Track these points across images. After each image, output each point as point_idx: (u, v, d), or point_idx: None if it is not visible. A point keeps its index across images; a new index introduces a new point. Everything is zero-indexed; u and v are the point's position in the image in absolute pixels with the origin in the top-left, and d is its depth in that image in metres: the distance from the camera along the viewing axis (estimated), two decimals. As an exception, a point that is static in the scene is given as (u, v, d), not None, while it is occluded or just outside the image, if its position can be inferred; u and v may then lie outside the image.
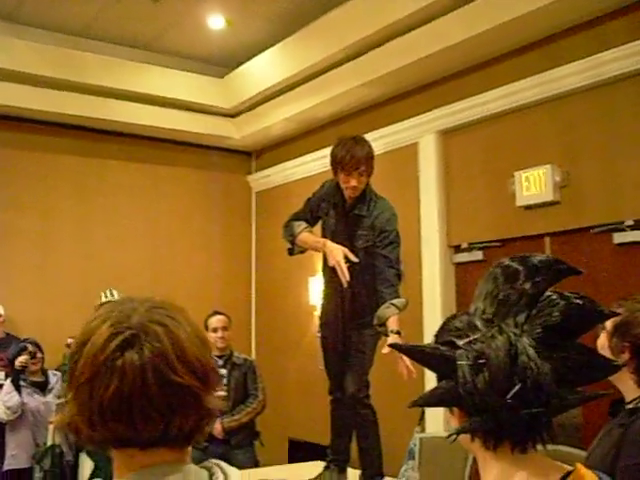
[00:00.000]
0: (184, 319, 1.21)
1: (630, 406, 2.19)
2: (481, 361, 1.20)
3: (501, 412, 1.17)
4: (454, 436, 1.27)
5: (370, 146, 3.84)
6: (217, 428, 5.25)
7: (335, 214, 3.91)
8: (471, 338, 1.23)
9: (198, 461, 1.25)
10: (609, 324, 2.24)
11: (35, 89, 7.09)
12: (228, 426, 5.28)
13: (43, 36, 7.16)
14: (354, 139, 3.83)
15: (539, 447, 1.25)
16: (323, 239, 3.86)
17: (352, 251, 3.69)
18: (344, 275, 3.58)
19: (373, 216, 3.79)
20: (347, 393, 3.80)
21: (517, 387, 1.16)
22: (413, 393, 4.78)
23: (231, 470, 1.23)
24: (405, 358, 3.35)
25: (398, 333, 3.52)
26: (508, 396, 1.16)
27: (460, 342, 1.24)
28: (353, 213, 3.84)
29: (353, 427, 3.98)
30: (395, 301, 3.60)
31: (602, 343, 2.25)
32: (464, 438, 1.28)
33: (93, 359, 1.13)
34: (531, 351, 1.18)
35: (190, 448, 1.23)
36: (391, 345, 1.33)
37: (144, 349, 1.13)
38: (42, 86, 7.11)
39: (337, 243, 3.74)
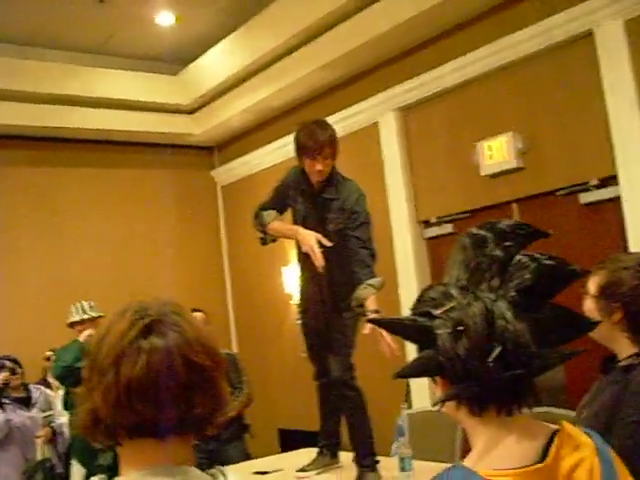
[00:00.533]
0: (190, 314, 1.29)
1: (624, 363, 2.21)
2: (460, 328, 1.21)
3: (483, 376, 1.19)
4: (440, 405, 1.28)
5: (333, 129, 3.83)
6: None
7: (304, 200, 3.90)
8: (447, 307, 1.24)
9: None
10: (592, 288, 2.25)
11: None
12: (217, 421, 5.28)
13: (-9, 48, 7.06)
14: (316, 123, 3.82)
15: (525, 409, 1.26)
16: (294, 226, 3.86)
17: (324, 235, 3.69)
18: (318, 260, 3.59)
19: (342, 198, 3.78)
20: (332, 377, 3.81)
21: (497, 350, 1.17)
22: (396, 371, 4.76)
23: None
24: (386, 336, 3.37)
25: (377, 312, 3.53)
26: (489, 359, 1.17)
27: (437, 312, 1.25)
28: (322, 197, 3.83)
29: (341, 410, 3.99)
30: (371, 281, 3.61)
31: (588, 308, 2.26)
32: (450, 408, 1.29)
33: (116, 343, 1.17)
34: (508, 314, 1.20)
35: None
36: (370, 320, 1.34)
37: (167, 333, 1.18)
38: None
39: (308, 229, 3.74)
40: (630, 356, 2.20)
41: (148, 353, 1.16)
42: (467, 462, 1.22)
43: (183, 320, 1.22)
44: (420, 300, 1.32)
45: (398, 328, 1.35)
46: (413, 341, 1.32)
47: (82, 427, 1.21)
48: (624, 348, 2.21)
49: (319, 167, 3.72)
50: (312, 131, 3.74)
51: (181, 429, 1.19)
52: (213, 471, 1.26)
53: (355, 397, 3.83)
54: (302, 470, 4.04)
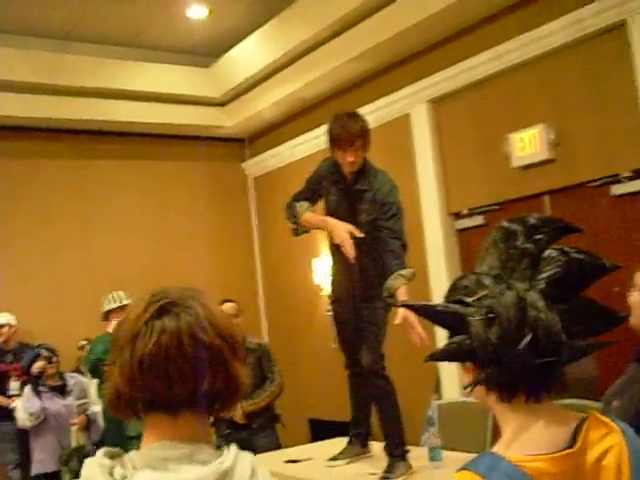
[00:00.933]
0: (211, 300, 1.36)
1: None
2: (492, 315, 1.24)
3: (514, 362, 1.22)
4: (470, 389, 1.32)
5: (365, 120, 3.85)
6: (238, 414, 5.32)
7: (336, 191, 3.93)
8: (480, 294, 1.28)
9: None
10: (638, 281, 2.29)
11: (25, 96, 7.12)
12: (248, 410, 5.34)
13: (27, 42, 7.17)
14: (348, 114, 3.85)
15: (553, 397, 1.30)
16: (327, 217, 3.89)
17: (356, 226, 3.72)
18: (350, 251, 3.62)
19: (374, 189, 3.81)
20: (363, 366, 3.84)
21: (528, 337, 1.21)
22: (428, 363, 4.82)
23: (233, 453, 1.29)
24: (417, 326, 3.39)
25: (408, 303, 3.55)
26: (520, 346, 1.21)
27: (469, 299, 1.29)
28: (354, 188, 3.86)
29: (372, 400, 4.02)
30: (403, 272, 3.64)
31: (635, 300, 2.29)
32: (480, 394, 1.32)
33: (134, 323, 1.27)
34: (540, 303, 1.23)
35: (211, 428, 1.31)
36: (403, 305, 1.38)
37: (180, 315, 1.27)
38: (30, 92, 7.13)
39: (340, 219, 3.78)
40: None
41: (159, 332, 1.24)
42: (496, 448, 1.26)
43: (198, 304, 1.29)
44: (453, 288, 1.36)
45: (430, 313, 1.38)
46: (445, 327, 1.35)
47: (107, 402, 1.31)
48: None
49: (351, 158, 3.75)
50: (344, 122, 3.77)
51: (192, 404, 1.26)
52: (223, 447, 1.32)
53: (385, 386, 3.86)
54: (333, 459, 4.08)
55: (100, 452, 1.25)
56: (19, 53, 7.00)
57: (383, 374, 3.85)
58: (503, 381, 1.26)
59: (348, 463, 4.06)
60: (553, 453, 1.21)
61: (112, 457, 1.23)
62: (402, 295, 3.59)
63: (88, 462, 1.23)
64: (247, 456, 1.31)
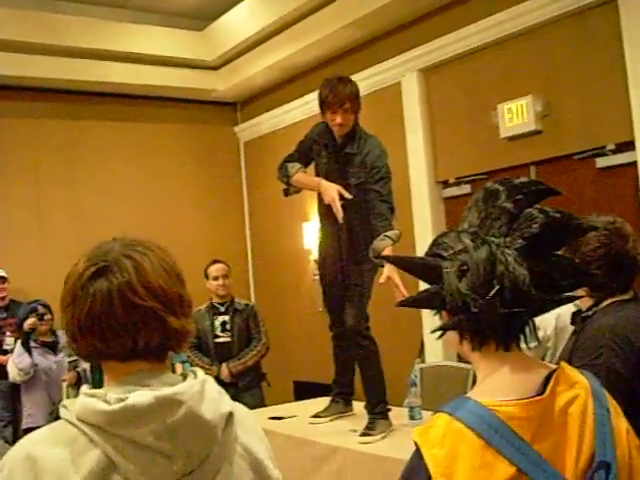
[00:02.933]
0: (155, 255, 1.42)
1: (583, 315, 2.37)
2: (464, 268, 1.34)
3: (482, 311, 1.31)
4: (439, 333, 1.41)
5: (354, 84, 3.93)
6: (224, 372, 5.43)
7: (327, 154, 4.01)
8: (456, 250, 1.37)
9: None
10: None
11: (15, 55, 7.07)
12: (235, 370, 5.46)
13: (16, 1, 7.13)
14: (339, 78, 3.93)
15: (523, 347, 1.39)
16: (317, 178, 3.98)
17: (345, 188, 3.81)
18: (339, 211, 3.72)
19: (363, 153, 3.89)
20: (347, 326, 3.93)
21: (495, 289, 1.29)
22: (412, 328, 4.99)
23: (201, 373, 1.41)
24: (400, 286, 3.48)
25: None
26: (488, 296, 1.30)
27: (446, 254, 1.38)
28: (344, 152, 3.94)
29: (355, 359, 4.12)
30: (389, 233, 3.72)
31: None
32: (454, 342, 1.42)
33: (73, 286, 1.37)
34: (510, 258, 1.31)
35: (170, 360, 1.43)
36: (383, 256, 1.47)
37: (112, 278, 1.35)
38: (22, 51, 7.09)
39: (330, 182, 3.86)
40: (588, 308, 2.35)
41: (92, 296, 1.33)
42: (471, 393, 1.35)
43: (133, 264, 1.36)
44: (434, 243, 1.45)
45: (409, 265, 1.48)
46: (423, 278, 1.44)
47: (70, 348, 1.43)
48: (585, 301, 2.36)
49: (339, 120, 3.83)
50: (334, 85, 3.85)
51: (138, 355, 1.36)
52: (185, 372, 1.42)
53: (368, 346, 3.94)
54: (315, 416, 4.20)
55: (84, 388, 1.34)
56: (9, 12, 6.93)
57: (367, 334, 3.93)
58: (473, 329, 1.35)
59: (331, 420, 4.17)
60: (522, 399, 1.28)
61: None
62: (390, 252, 3.68)
63: (80, 399, 1.30)
64: (211, 379, 1.41)
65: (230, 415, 1.39)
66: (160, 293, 1.36)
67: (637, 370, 2.12)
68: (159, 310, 1.35)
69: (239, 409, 1.47)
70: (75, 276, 1.37)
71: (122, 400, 1.27)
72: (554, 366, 1.39)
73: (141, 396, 1.28)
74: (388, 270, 3.52)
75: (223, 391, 1.42)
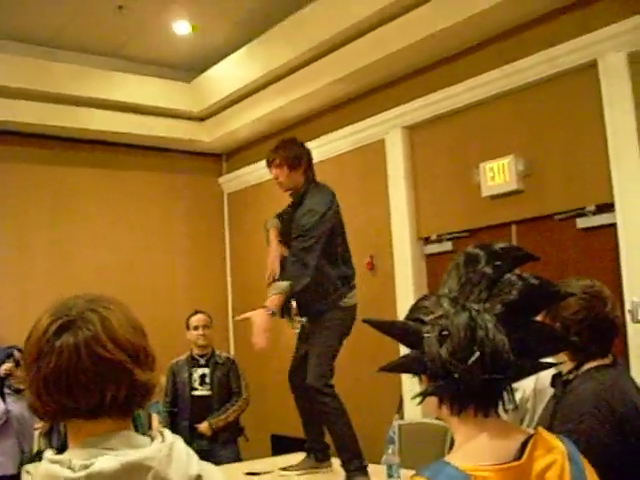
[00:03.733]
0: (119, 309, 1.42)
1: (563, 379, 2.38)
2: (444, 333, 1.35)
3: (462, 377, 1.32)
4: (421, 399, 1.42)
5: (285, 142, 4.23)
6: (205, 428, 5.37)
7: (289, 211, 4.16)
8: (437, 315, 1.38)
9: None
10: None
11: (4, 100, 7.11)
12: (216, 426, 5.41)
13: (9, 47, 7.19)
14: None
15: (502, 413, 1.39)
16: (270, 258, 4.15)
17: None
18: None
19: (299, 211, 4.02)
20: (306, 383, 3.93)
21: (476, 355, 1.31)
22: (391, 384, 4.98)
23: (171, 436, 1.39)
24: (256, 331, 3.84)
25: (264, 307, 3.87)
26: (468, 362, 1.31)
27: (427, 318, 1.39)
28: (294, 208, 4.14)
29: (317, 416, 4.10)
30: (278, 283, 3.91)
31: None
32: (434, 407, 1.43)
33: (37, 342, 1.34)
34: (490, 324, 1.33)
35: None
36: (365, 320, 1.48)
37: (78, 332, 1.33)
38: (12, 97, 7.14)
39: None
40: (568, 372, 2.36)
41: (59, 351, 1.31)
42: (448, 457, 1.35)
43: (99, 318, 1.36)
44: (414, 307, 1.47)
45: (389, 329, 1.48)
46: (403, 342, 1.45)
47: (31, 410, 1.39)
48: (565, 365, 2.37)
49: (274, 175, 4.11)
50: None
51: (105, 412, 1.34)
52: (151, 432, 1.40)
53: (329, 403, 3.91)
54: (284, 469, 4.17)
55: (48, 453, 1.30)
56: (1, 57, 7.01)
57: (326, 391, 3.91)
58: (453, 395, 1.36)
59: (299, 475, 4.14)
60: (499, 464, 1.29)
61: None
62: (269, 302, 3.86)
63: (43, 465, 1.28)
64: (180, 439, 1.39)
65: (198, 478, 1.36)
66: (127, 346, 1.36)
67: (618, 436, 2.13)
68: (126, 363, 1.34)
69: (208, 470, 1.44)
70: (39, 332, 1.35)
71: (87, 467, 1.24)
72: (531, 431, 1.40)
73: (107, 462, 1.25)
74: (254, 313, 3.77)
75: (192, 452, 1.40)
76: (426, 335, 1.37)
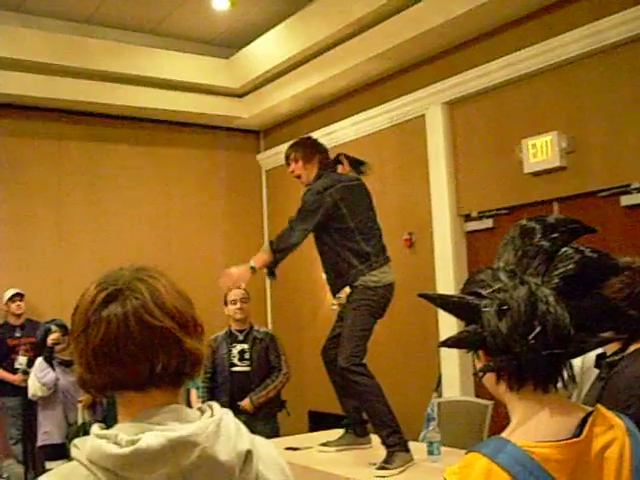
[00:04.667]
0: (165, 279, 1.40)
1: (608, 360, 2.33)
2: (504, 307, 1.31)
3: (523, 352, 1.29)
4: (480, 375, 1.39)
5: (300, 139, 4.47)
6: (247, 403, 5.40)
7: None
8: (495, 288, 1.35)
9: None
10: None
11: (43, 77, 7.19)
12: (257, 402, 5.42)
13: (49, 24, 7.25)
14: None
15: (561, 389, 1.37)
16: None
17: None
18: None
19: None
20: (337, 364, 3.95)
21: (537, 330, 1.28)
22: (429, 362, 4.96)
23: (220, 410, 1.36)
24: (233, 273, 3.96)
25: (252, 268, 3.99)
26: (529, 337, 1.28)
27: (484, 292, 1.36)
28: None
29: (350, 392, 4.11)
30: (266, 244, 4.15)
31: None
32: (491, 383, 1.39)
33: (84, 313, 1.32)
34: (550, 298, 1.30)
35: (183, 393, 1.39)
36: (420, 295, 1.45)
37: (126, 301, 1.31)
38: (50, 74, 7.21)
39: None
40: (614, 352, 2.31)
41: (107, 321, 1.29)
42: (504, 434, 1.32)
43: (146, 286, 1.34)
44: (470, 281, 1.43)
45: (447, 304, 1.44)
46: (460, 317, 1.42)
47: (79, 384, 1.37)
48: (611, 345, 2.32)
49: (290, 170, 4.37)
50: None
51: (155, 383, 1.32)
52: (203, 405, 1.38)
53: (361, 382, 3.89)
54: (324, 444, 4.19)
55: (94, 427, 1.28)
56: (41, 34, 7.07)
57: (357, 370, 3.90)
58: (512, 370, 1.33)
59: (338, 450, 4.15)
60: (559, 441, 1.26)
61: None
62: (254, 259, 4.04)
63: (90, 439, 1.25)
64: (229, 414, 1.37)
65: (249, 453, 1.34)
66: (175, 314, 1.34)
67: None
68: (176, 331, 1.32)
69: (259, 443, 1.42)
70: (86, 302, 1.34)
71: (133, 443, 1.22)
72: (590, 408, 1.37)
73: (153, 438, 1.23)
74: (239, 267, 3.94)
75: (242, 427, 1.37)
76: (485, 309, 1.33)
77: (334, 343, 4.11)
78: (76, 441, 1.29)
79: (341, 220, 4.07)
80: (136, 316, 1.30)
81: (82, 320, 1.33)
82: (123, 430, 1.26)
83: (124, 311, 1.30)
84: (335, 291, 4.27)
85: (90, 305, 1.32)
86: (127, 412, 1.33)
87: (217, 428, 1.30)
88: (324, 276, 4.37)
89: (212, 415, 1.34)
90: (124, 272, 1.37)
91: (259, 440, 1.43)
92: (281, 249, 4.06)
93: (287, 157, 4.41)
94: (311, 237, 4.21)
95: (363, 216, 4.12)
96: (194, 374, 1.39)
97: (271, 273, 4.19)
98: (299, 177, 4.34)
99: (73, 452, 1.27)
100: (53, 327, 5.96)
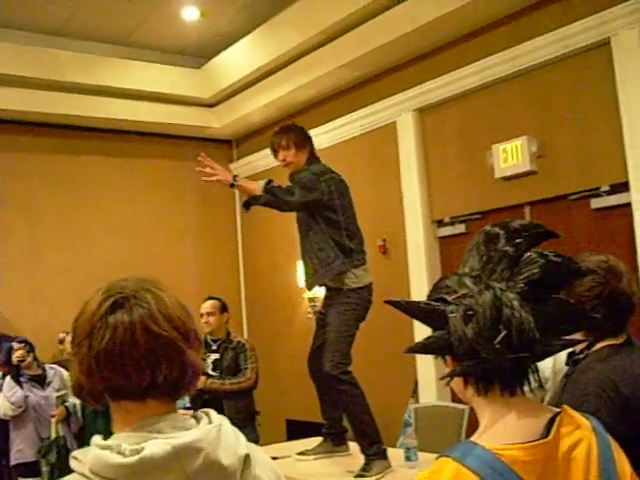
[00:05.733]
0: (168, 290, 1.40)
1: (574, 358, 2.36)
2: (470, 313, 1.33)
3: (489, 357, 1.30)
4: (447, 380, 1.40)
5: (286, 126, 4.36)
6: (202, 380, 5.34)
7: None
8: (460, 294, 1.36)
9: None
10: None
11: (14, 90, 7.14)
12: (209, 385, 5.34)
13: (20, 36, 7.20)
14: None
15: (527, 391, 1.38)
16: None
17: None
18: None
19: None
20: (323, 370, 3.91)
21: (503, 334, 1.29)
22: (405, 368, 4.97)
23: (218, 417, 1.37)
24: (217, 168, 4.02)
25: (234, 179, 4.05)
26: (495, 341, 1.29)
27: (450, 298, 1.37)
28: None
29: (336, 402, 4.09)
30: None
31: None
32: (459, 387, 1.41)
33: (90, 319, 1.32)
34: (515, 303, 1.31)
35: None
36: (387, 301, 1.46)
37: (133, 309, 1.31)
38: (20, 86, 7.16)
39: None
40: (580, 351, 2.34)
41: (113, 327, 1.29)
42: (473, 437, 1.34)
43: (152, 296, 1.34)
44: (436, 287, 1.44)
45: (414, 310, 1.46)
46: (426, 323, 1.43)
47: (74, 390, 1.37)
48: (581, 344, 2.35)
49: (281, 157, 4.21)
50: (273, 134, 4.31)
51: (154, 392, 1.32)
52: (197, 413, 1.38)
53: (348, 391, 3.86)
54: (301, 453, 4.18)
55: (96, 438, 1.27)
56: (11, 47, 7.01)
57: (344, 379, 3.87)
58: (479, 374, 1.34)
59: (316, 459, 4.14)
60: (527, 442, 1.28)
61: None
62: (241, 179, 4.11)
63: (92, 451, 1.24)
64: (226, 420, 1.36)
65: (247, 457, 1.34)
66: (180, 325, 1.35)
67: (622, 418, 2.11)
68: (179, 341, 1.33)
69: (254, 449, 1.42)
70: (92, 308, 1.33)
71: (138, 452, 1.22)
72: (557, 409, 1.39)
73: (158, 446, 1.23)
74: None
75: (239, 433, 1.38)
76: (451, 315, 1.35)
77: (320, 354, 4.04)
78: (75, 453, 1.28)
79: (332, 211, 4.02)
80: (142, 324, 1.30)
81: (87, 326, 1.32)
82: (124, 440, 1.26)
83: (130, 319, 1.30)
84: (314, 283, 4.16)
85: (97, 311, 1.32)
86: (124, 421, 1.33)
87: (218, 433, 1.30)
88: (303, 266, 4.24)
89: (209, 422, 1.34)
90: (128, 282, 1.37)
91: (252, 446, 1.43)
92: (273, 193, 3.94)
93: (277, 144, 4.22)
94: (294, 229, 4.18)
95: (349, 214, 4.12)
96: (191, 387, 1.39)
97: (246, 205, 4.12)
98: (288, 165, 4.21)
99: (73, 464, 1.27)
100: (15, 345, 5.92)
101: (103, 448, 1.23)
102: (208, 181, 4.02)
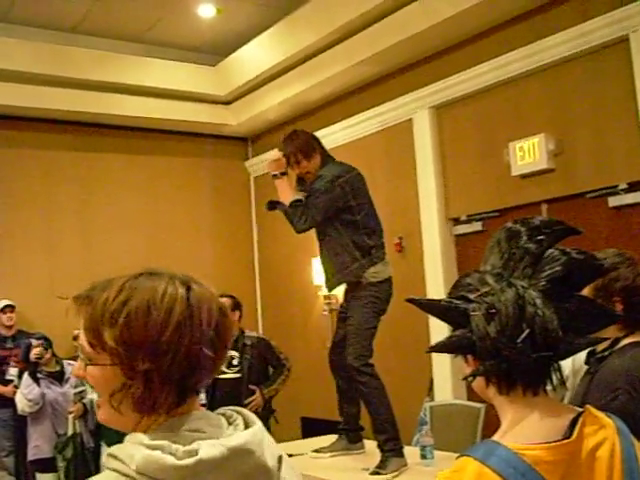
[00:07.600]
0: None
1: (598, 356, 2.34)
2: (492, 311, 1.31)
3: (512, 356, 1.29)
4: (469, 380, 1.39)
5: (287, 137, 4.23)
6: (257, 397, 5.39)
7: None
8: (482, 291, 1.35)
9: None
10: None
11: (30, 87, 7.17)
12: (268, 395, 5.41)
13: (36, 34, 7.23)
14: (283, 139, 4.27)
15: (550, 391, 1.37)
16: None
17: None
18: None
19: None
20: (347, 363, 3.92)
21: (526, 332, 1.28)
22: (421, 366, 4.96)
23: (252, 416, 1.32)
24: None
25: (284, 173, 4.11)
26: (518, 340, 1.28)
27: (472, 296, 1.35)
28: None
29: (356, 395, 4.09)
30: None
31: None
32: (480, 387, 1.39)
33: (171, 307, 1.24)
34: (538, 301, 1.30)
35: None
36: (408, 299, 1.44)
37: (204, 296, 1.27)
38: (37, 84, 7.19)
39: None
40: (604, 349, 2.32)
41: (198, 306, 1.24)
42: (495, 437, 1.32)
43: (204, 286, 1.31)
44: (457, 285, 1.42)
45: (435, 308, 1.44)
46: (448, 321, 1.41)
47: (139, 406, 1.24)
48: (602, 343, 2.33)
49: (297, 173, 4.21)
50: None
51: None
52: (225, 411, 1.33)
53: (368, 383, 3.87)
54: (316, 451, 4.18)
55: (140, 437, 1.19)
56: (27, 44, 7.04)
57: (366, 371, 3.88)
58: (501, 374, 1.33)
59: (332, 456, 4.13)
60: (550, 442, 1.26)
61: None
62: (288, 179, 4.13)
63: (140, 450, 1.16)
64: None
65: (280, 458, 1.32)
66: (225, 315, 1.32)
67: None
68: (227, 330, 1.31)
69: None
70: (171, 299, 1.24)
71: (191, 453, 1.17)
72: (580, 409, 1.37)
73: (213, 448, 1.18)
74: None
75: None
76: (473, 313, 1.33)
77: (341, 347, 4.05)
78: (113, 451, 1.19)
79: (349, 212, 4.03)
80: (220, 309, 1.28)
81: (168, 319, 1.22)
82: (166, 438, 1.19)
83: (209, 305, 1.26)
84: (333, 285, 4.19)
85: (179, 300, 1.24)
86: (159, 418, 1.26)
87: (262, 435, 1.27)
88: (322, 269, 4.27)
89: (246, 422, 1.30)
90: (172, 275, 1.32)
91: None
92: (290, 214, 4.03)
93: (288, 159, 4.18)
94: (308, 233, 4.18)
95: (367, 211, 4.11)
96: (209, 380, 1.32)
97: (270, 205, 4.21)
98: (306, 175, 4.19)
99: (113, 464, 1.18)
100: (34, 342, 5.95)
101: (153, 448, 1.16)
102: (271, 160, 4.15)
